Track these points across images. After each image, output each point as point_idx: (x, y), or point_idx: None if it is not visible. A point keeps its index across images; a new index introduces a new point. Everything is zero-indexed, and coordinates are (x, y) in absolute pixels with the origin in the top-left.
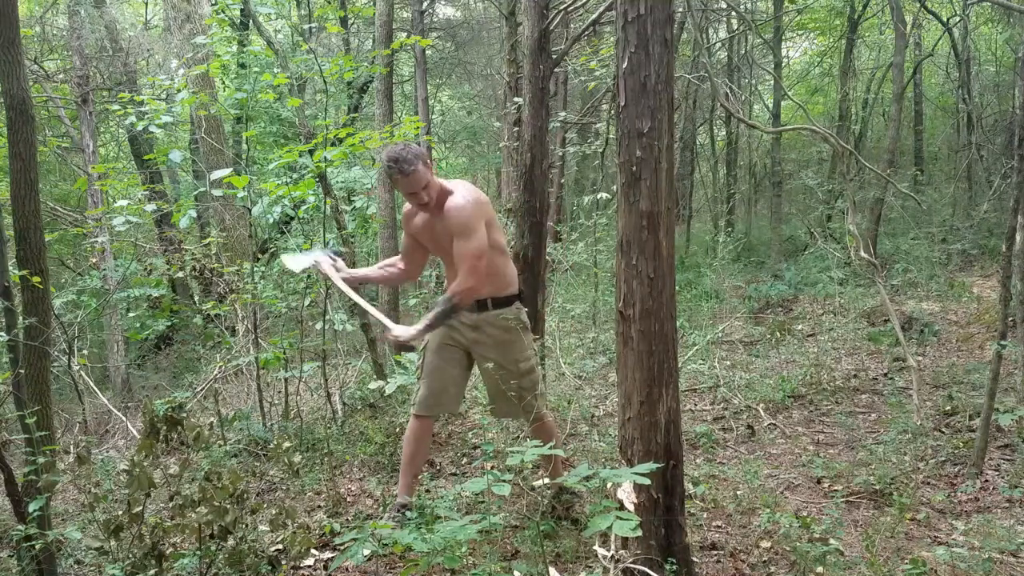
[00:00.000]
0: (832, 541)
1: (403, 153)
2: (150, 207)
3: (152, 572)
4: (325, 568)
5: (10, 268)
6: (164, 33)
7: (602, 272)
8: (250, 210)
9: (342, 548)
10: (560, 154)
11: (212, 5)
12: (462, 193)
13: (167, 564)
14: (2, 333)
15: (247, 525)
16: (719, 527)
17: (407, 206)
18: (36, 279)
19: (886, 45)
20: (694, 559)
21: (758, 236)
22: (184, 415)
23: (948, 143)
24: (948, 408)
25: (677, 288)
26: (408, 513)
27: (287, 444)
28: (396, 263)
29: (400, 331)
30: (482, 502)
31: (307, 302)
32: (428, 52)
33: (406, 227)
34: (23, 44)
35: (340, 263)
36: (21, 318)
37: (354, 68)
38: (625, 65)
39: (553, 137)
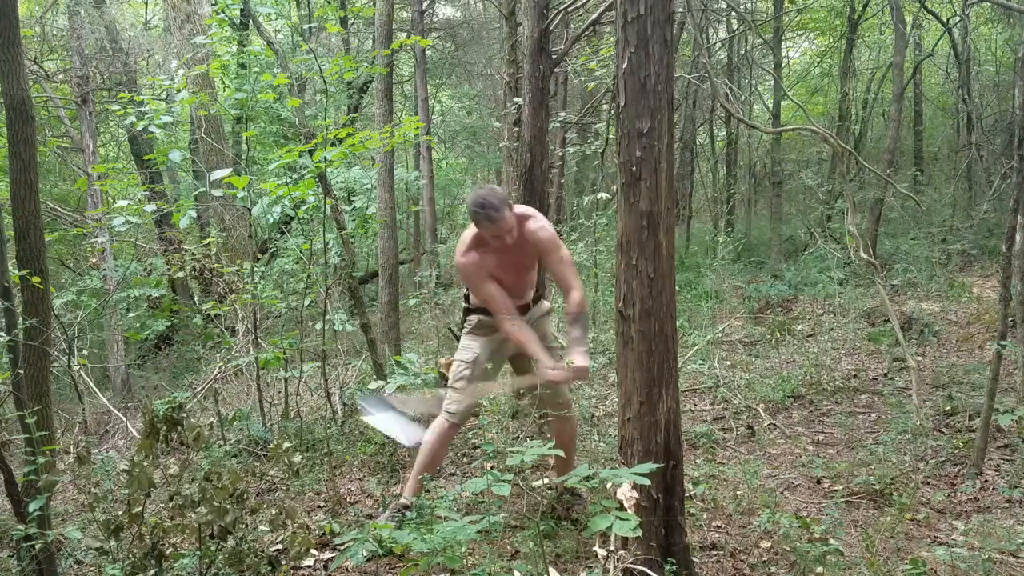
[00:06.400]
0: (832, 541)
1: (489, 199)
2: (150, 207)
3: (152, 572)
4: (325, 568)
5: (10, 268)
6: (164, 33)
7: (602, 272)
8: (250, 210)
9: (342, 548)
10: (560, 154)
11: (212, 5)
12: (533, 214)
13: (167, 564)
14: (2, 333)
15: (247, 525)
16: (719, 527)
17: (474, 257)
18: (36, 279)
19: (886, 45)
20: (694, 559)
21: (758, 236)
22: (184, 415)
23: (948, 143)
24: (948, 408)
25: (677, 288)
26: (408, 513)
27: (287, 444)
28: (510, 313)
29: (578, 364)
30: (482, 502)
31: (307, 302)
32: (428, 52)
33: (484, 274)
34: (23, 44)
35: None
36: (21, 318)
37: (354, 68)
38: (625, 65)
39: (553, 137)
